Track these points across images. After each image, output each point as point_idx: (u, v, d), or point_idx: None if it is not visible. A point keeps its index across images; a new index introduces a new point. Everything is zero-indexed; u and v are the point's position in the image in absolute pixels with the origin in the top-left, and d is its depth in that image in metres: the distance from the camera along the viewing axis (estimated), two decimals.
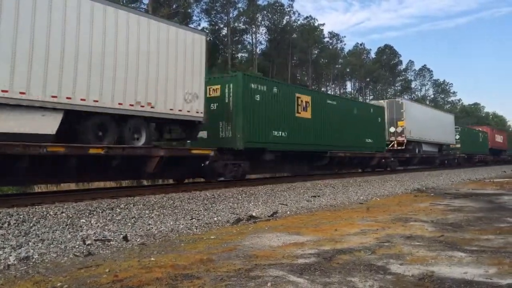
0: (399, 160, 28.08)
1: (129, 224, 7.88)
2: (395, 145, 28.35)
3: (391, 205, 11.27)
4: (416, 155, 30.43)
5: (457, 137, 39.48)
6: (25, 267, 5.13)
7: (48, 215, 7.86)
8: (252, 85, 15.50)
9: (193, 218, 8.75)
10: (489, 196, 13.56)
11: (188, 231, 7.71)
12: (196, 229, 7.90)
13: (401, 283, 4.30)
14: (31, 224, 7.21)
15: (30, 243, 6.20)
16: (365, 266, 4.91)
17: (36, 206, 8.60)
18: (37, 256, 5.64)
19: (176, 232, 7.54)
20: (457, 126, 40.80)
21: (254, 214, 9.53)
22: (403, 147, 28.46)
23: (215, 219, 8.89)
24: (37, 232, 6.80)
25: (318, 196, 13.02)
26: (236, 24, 56.73)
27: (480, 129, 50.15)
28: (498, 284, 4.24)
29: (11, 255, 5.56)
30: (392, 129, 28.38)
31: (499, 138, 55.99)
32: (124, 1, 42.11)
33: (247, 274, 4.62)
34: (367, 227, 7.61)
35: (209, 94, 15.07)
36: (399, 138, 28.28)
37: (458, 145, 39.75)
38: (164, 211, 9.17)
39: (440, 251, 5.72)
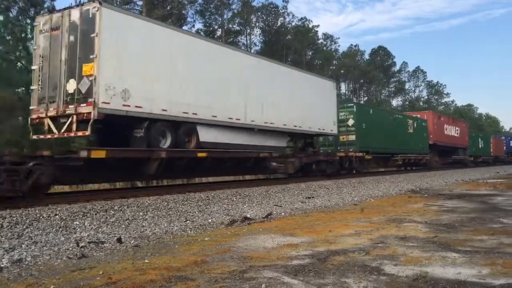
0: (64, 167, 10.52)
1: (123, 226, 7.85)
2: (74, 128, 11.12)
3: (385, 206, 11.30)
4: (150, 154, 12.23)
5: (350, 122, 24.01)
6: (18, 270, 5.10)
7: (41, 217, 7.83)
8: None
9: (187, 220, 8.74)
10: (483, 196, 13.63)
11: (182, 233, 7.70)
12: (191, 231, 7.88)
13: (395, 284, 4.31)
14: (24, 227, 7.17)
15: (23, 246, 6.17)
16: (359, 267, 4.92)
17: (29, 208, 8.56)
18: (30, 258, 5.61)
19: (170, 234, 7.52)
20: (350, 104, 26.49)
21: (248, 215, 9.53)
22: (89, 132, 11.01)
23: (210, 220, 8.88)
24: (30, 235, 6.77)
25: (313, 197, 13.04)
26: (230, 26, 56.72)
27: (416, 115, 33.80)
28: (491, 284, 4.26)
29: (4, 258, 5.52)
30: (71, 86, 11.19)
31: (452, 131, 38.37)
32: (118, 2, 42.00)
33: (242, 275, 4.61)
34: (361, 228, 7.62)
35: None
36: (81, 109, 10.95)
37: (353, 137, 23.85)
38: (158, 213, 9.15)
39: (434, 251, 5.74)
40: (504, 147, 60.86)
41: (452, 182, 21.94)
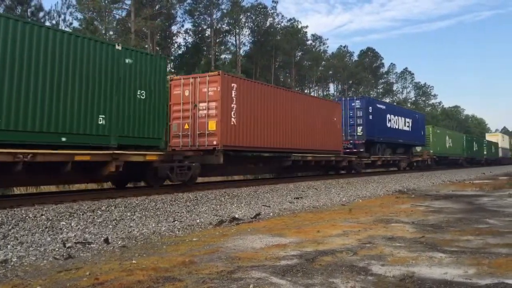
0: None
1: (110, 226, 7.80)
2: None
3: (373, 206, 11.36)
4: None
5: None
6: (4, 271, 5.04)
7: (27, 217, 7.74)
8: None
9: (175, 220, 8.70)
10: (469, 197, 13.76)
11: (170, 233, 7.67)
12: (179, 231, 7.85)
13: (382, 284, 4.33)
14: (10, 227, 7.09)
15: (8, 246, 6.10)
16: (347, 267, 4.94)
17: (15, 209, 8.46)
18: (15, 259, 5.54)
19: (158, 235, 7.49)
20: None
21: (237, 216, 9.51)
22: None
23: (198, 221, 8.85)
24: (16, 235, 6.69)
25: (301, 197, 13.06)
26: (219, 26, 56.63)
27: None
28: (477, 284, 4.30)
29: None
30: None
31: None
32: (107, 2, 41.76)
33: (230, 276, 4.61)
34: (349, 229, 7.65)
35: None
36: None
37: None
38: (146, 213, 9.10)
39: (421, 252, 5.78)
40: (359, 132, 25.47)
41: (439, 183, 22.12)
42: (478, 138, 60.34)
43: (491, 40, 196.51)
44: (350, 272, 4.74)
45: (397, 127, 29.42)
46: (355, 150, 24.76)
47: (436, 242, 6.41)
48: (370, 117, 25.42)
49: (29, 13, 29.40)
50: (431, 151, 35.09)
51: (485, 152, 55.02)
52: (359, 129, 25.14)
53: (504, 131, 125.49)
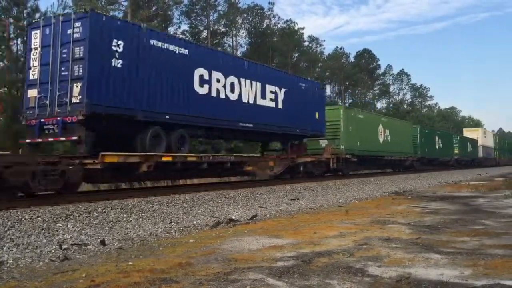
0: None
1: (107, 228, 7.78)
2: None
3: (369, 208, 11.38)
4: None
5: None
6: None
7: (23, 219, 7.70)
8: None
9: (172, 222, 8.69)
10: (465, 198, 13.80)
11: (167, 235, 7.66)
12: (175, 232, 7.84)
13: (378, 285, 4.34)
14: (6, 229, 7.05)
15: (4, 248, 6.08)
16: (343, 269, 4.94)
17: (11, 210, 8.42)
18: (11, 261, 5.53)
19: (154, 236, 7.48)
20: None
21: (233, 217, 9.51)
22: None
23: (194, 222, 8.84)
24: (12, 237, 6.66)
25: (298, 199, 13.06)
26: (216, 27, 56.62)
27: None
28: (473, 285, 4.32)
29: None
30: None
31: None
32: (103, 3, 41.71)
33: (226, 277, 4.60)
34: (346, 230, 7.67)
35: None
36: None
37: None
38: (143, 214, 9.08)
39: (417, 253, 5.79)
40: None
41: (435, 184, 22.19)
42: (444, 132, 46.93)
43: (487, 41, 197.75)
44: (346, 273, 4.74)
45: (234, 97, 14.54)
46: (63, 138, 10.80)
47: (433, 243, 6.43)
48: (119, 63, 10.80)
49: (25, 14, 29.30)
50: (342, 147, 21.45)
51: (456, 151, 43.40)
52: (77, 89, 10.44)
53: (500, 132, 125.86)
